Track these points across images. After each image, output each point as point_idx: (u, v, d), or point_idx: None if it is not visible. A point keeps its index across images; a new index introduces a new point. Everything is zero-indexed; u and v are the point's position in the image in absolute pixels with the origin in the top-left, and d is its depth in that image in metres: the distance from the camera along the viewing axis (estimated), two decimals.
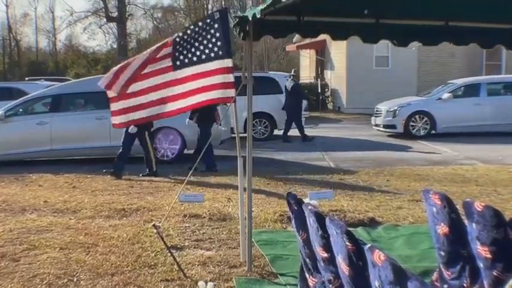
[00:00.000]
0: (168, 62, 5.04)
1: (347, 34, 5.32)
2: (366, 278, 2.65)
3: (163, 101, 5.10)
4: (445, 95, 16.36)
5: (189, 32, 5.05)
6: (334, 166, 11.35)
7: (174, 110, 5.15)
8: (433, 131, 16.21)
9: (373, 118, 17.40)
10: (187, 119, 10.75)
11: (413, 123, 16.22)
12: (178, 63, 5.02)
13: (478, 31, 5.24)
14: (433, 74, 22.43)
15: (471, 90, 16.73)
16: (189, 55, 5.00)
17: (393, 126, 16.52)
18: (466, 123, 15.99)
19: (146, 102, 5.13)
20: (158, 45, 5.17)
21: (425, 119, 16.18)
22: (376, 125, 17.16)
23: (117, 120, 5.38)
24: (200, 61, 4.99)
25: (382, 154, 12.91)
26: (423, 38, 5.32)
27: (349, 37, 5.30)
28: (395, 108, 16.47)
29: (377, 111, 17.12)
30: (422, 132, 16.15)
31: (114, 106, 5.33)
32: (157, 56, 5.05)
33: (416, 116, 16.23)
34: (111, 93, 5.30)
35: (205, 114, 10.30)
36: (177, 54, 5.02)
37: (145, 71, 5.08)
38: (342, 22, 5.17)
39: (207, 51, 4.97)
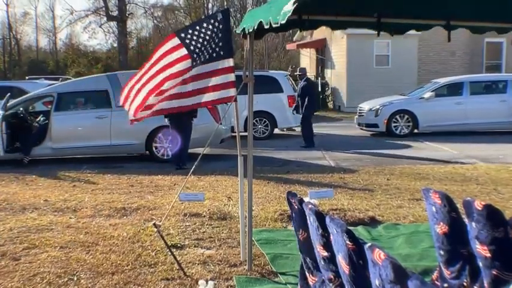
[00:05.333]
0: (187, 64, 5.01)
1: (347, 26, 5.39)
2: (366, 277, 2.65)
3: (173, 97, 5.09)
4: (427, 94, 16.37)
5: (196, 32, 5.03)
6: (335, 165, 11.36)
7: (174, 107, 5.15)
8: (416, 130, 16.26)
9: (356, 117, 17.43)
10: (165, 119, 10.78)
11: (395, 122, 16.25)
12: (198, 61, 5.02)
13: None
14: (433, 72, 22.44)
15: (454, 89, 16.72)
16: (201, 55, 5.00)
17: (375, 125, 16.56)
18: (449, 122, 16.01)
19: (162, 98, 5.10)
20: (167, 49, 5.10)
21: (408, 118, 16.22)
22: (359, 124, 17.21)
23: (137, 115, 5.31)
24: (205, 61, 5.00)
25: (382, 153, 12.91)
26: (418, 26, 5.36)
27: (348, 27, 5.37)
28: (378, 107, 16.51)
29: (360, 110, 17.15)
30: (404, 131, 16.19)
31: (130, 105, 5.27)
32: (173, 60, 5.03)
33: (399, 115, 16.28)
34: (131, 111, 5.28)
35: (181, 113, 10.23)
36: (194, 55, 5.00)
37: (164, 75, 5.04)
38: (343, 21, 5.18)
39: (210, 51, 4.98)
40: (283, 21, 3.52)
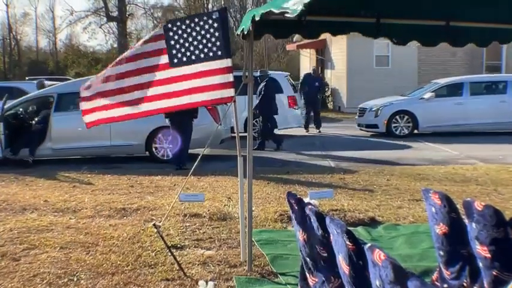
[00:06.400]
0: (164, 59, 4.97)
1: (347, 30, 5.36)
2: (366, 278, 2.65)
3: (158, 97, 5.03)
4: (427, 95, 16.37)
5: (183, 27, 4.93)
6: (334, 165, 11.36)
7: (169, 106, 5.12)
8: (416, 131, 16.26)
9: (356, 118, 17.42)
10: (165, 119, 10.77)
11: (395, 123, 16.25)
12: (175, 60, 4.94)
13: (476, 31, 5.27)
14: (433, 73, 22.42)
15: (454, 89, 16.73)
16: (187, 53, 4.94)
17: (375, 126, 16.57)
18: (449, 122, 16.03)
19: (139, 98, 5.05)
20: (148, 38, 5.08)
21: (408, 118, 16.21)
22: (359, 125, 17.21)
23: (93, 117, 5.23)
24: (199, 60, 4.95)
25: (382, 153, 12.91)
26: (422, 38, 5.34)
27: (350, 32, 5.34)
28: (378, 107, 16.51)
29: (360, 111, 17.15)
30: (404, 132, 16.18)
31: (88, 105, 5.21)
32: (151, 50, 4.99)
33: (399, 116, 16.27)
34: (84, 93, 5.25)
35: (181, 113, 10.16)
36: (174, 51, 4.94)
37: (138, 66, 5.00)
38: (342, 21, 5.18)
39: (206, 50, 4.94)
40: (298, 12, 3.42)
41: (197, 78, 4.98)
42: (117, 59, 5.15)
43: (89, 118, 5.27)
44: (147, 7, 48.86)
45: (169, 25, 4.99)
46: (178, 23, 4.97)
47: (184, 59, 4.95)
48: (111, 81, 5.07)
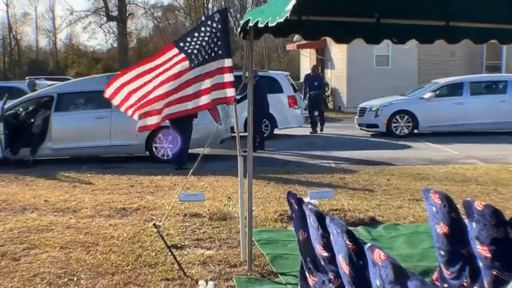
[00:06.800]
0: (185, 65, 5.01)
1: (349, 37, 5.34)
2: (366, 277, 2.65)
3: (178, 101, 5.08)
4: (427, 94, 16.38)
5: (195, 39, 5.01)
6: (335, 165, 11.36)
7: (184, 110, 5.15)
8: (416, 130, 16.26)
9: (356, 118, 17.43)
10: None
11: (395, 123, 16.26)
12: (196, 62, 5.02)
13: (475, 30, 5.27)
14: (433, 73, 22.42)
15: (454, 89, 16.74)
16: (203, 52, 5.00)
17: (375, 126, 16.58)
18: (449, 122, 16.03)
19: (166, 103, 5.09)
20: (166, 58, 5.09)
21: (408, 118, 16.22)
22: (359, 125, 17.22)
23: (144, 122, 5.30)
24: (204, 61, 5.00)
25: (383, 153, 12.91)
26: (421, 36, 5.35)
27: (352, 40, 5.32)
28: (378, 107, 16.52)
29: (360, 110, 17.16)
30: (404, 132, 16.18)
31: (137, 113, 5.29)
32: (171, 65, 5.03)
33: (399, 116, 16.28)
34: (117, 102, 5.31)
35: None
36: (193, 57, 5.00)
37: (161, 78, 5.04)
38: (342, 22, 5.18)
39: (209, 51, 4.98)
40: (282, 20, 3.50)
41: (201, 80, 5.01)
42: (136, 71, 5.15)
43: (141, 123, 5.30)
44: (147, 7, 48.85)
45: (181, 43, 5.05)
46: (189, 38, 5.05)
47: (201, 58, 5.00)
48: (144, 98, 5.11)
